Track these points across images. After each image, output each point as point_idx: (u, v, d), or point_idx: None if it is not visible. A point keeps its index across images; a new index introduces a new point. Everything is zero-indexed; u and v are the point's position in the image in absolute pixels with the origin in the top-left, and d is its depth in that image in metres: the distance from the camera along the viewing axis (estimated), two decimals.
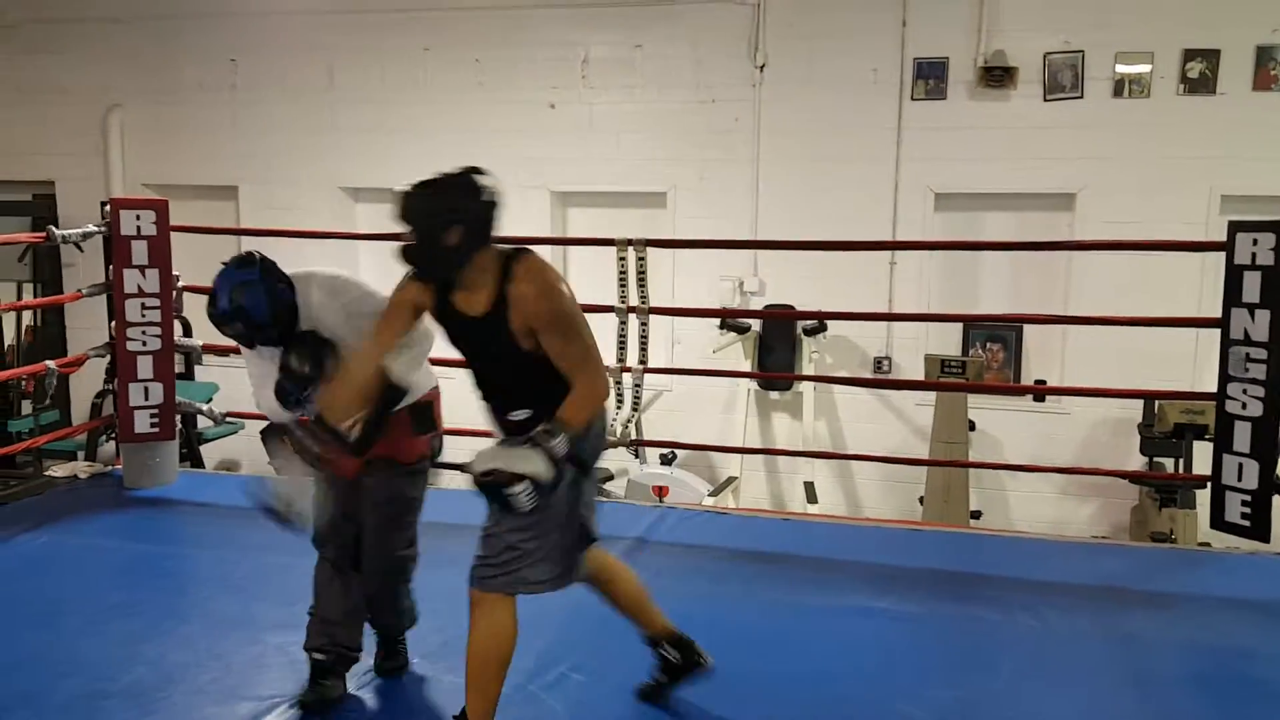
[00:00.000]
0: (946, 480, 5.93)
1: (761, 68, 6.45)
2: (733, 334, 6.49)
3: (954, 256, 6.43)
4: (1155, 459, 5.89)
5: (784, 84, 6.42)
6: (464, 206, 2.43)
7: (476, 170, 2.50)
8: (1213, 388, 3.89)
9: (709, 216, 6.51)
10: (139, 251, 4.45)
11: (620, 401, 4.67)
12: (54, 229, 4.49)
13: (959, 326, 6.53)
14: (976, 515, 6.08)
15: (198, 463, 6.27)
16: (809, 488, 6.24)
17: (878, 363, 6.48)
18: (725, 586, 3.74)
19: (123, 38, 7.53)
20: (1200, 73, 5.92)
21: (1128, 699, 2.97)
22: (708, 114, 6.59)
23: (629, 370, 4.60)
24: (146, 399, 4.53)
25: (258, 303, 2.75)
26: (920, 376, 6.15)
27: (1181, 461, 5.67)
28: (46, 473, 5.14)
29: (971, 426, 6.07)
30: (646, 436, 5.04)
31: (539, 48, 6.82)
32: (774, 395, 6.66)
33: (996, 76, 6.15)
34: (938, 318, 6.18)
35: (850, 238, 5.76)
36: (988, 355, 6.51)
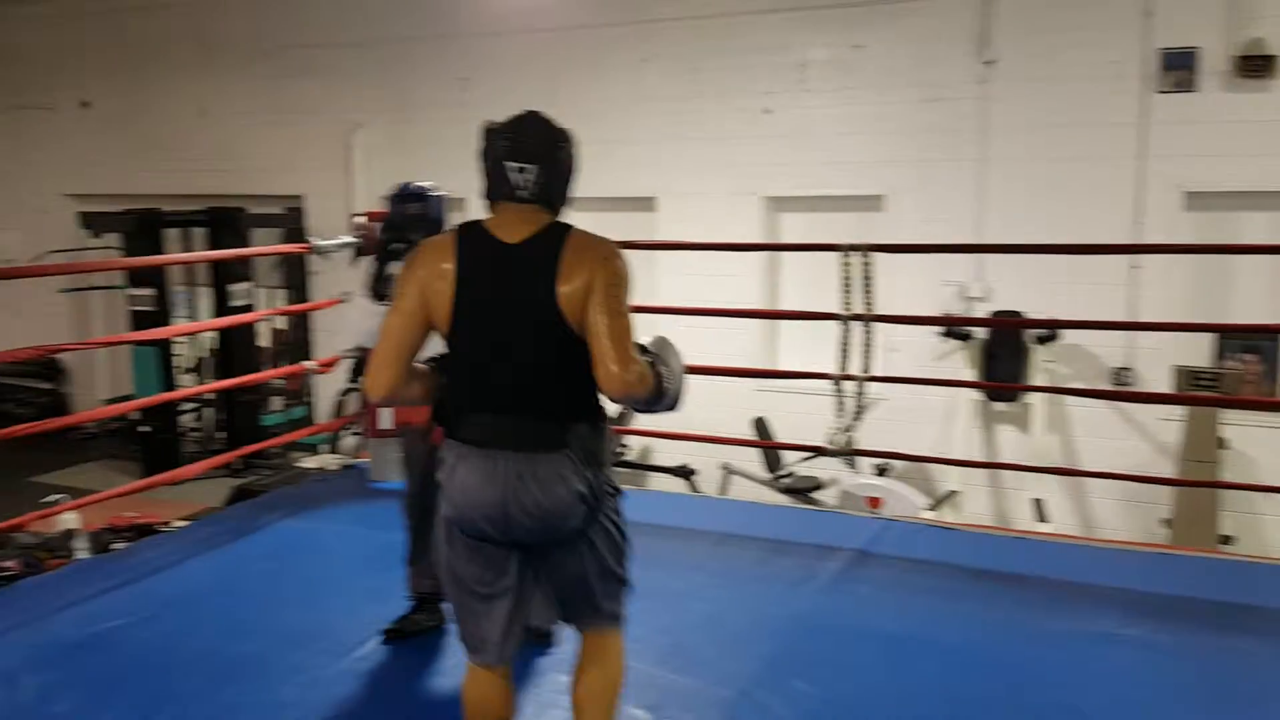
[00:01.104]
0: (1195, 502, 5.52)
1: (990, 64, 6.21)
2: (955, 341, 6.28)
3: (1205, 260, 5.98)
4: None
5: (1014, 80, 6.16)
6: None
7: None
8: None
9: (928, 220, 6.32)
10: None
11: (841, 410, 4.60)
12: (315, 240, 4.84)
13: (1210, 336, 6.06)
14: (1227, 540, 5.64)
15: None
16: (1038, 505, 5.95)
17: (1117, 374, 6.10)
18: (958, 605, 3.62)
19: (366, 61, 8.04)
20: None
21: None
22: (930, 114, 6.40)
23: (850, 378, 4.52)
24: None
25: (435, 203, 3.61)
26: (1164, 389, 5.76)
27: None
28: (298, 464, 5.56)
29: (1223, 444, 5.63)
30: (860, 446, 4.93)
31: (755, 53, 6.82)
32: (999, 407, 6.39)
33: (1255, 66, 5.69)
34: (1189, 327, 5.75)
35: (1087, 240, 5.47)
36: (1243, 367, 6.03)
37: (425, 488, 3.12)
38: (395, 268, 3.03)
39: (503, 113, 7.68)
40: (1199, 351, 6.06)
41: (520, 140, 2.31)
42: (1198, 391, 5.51)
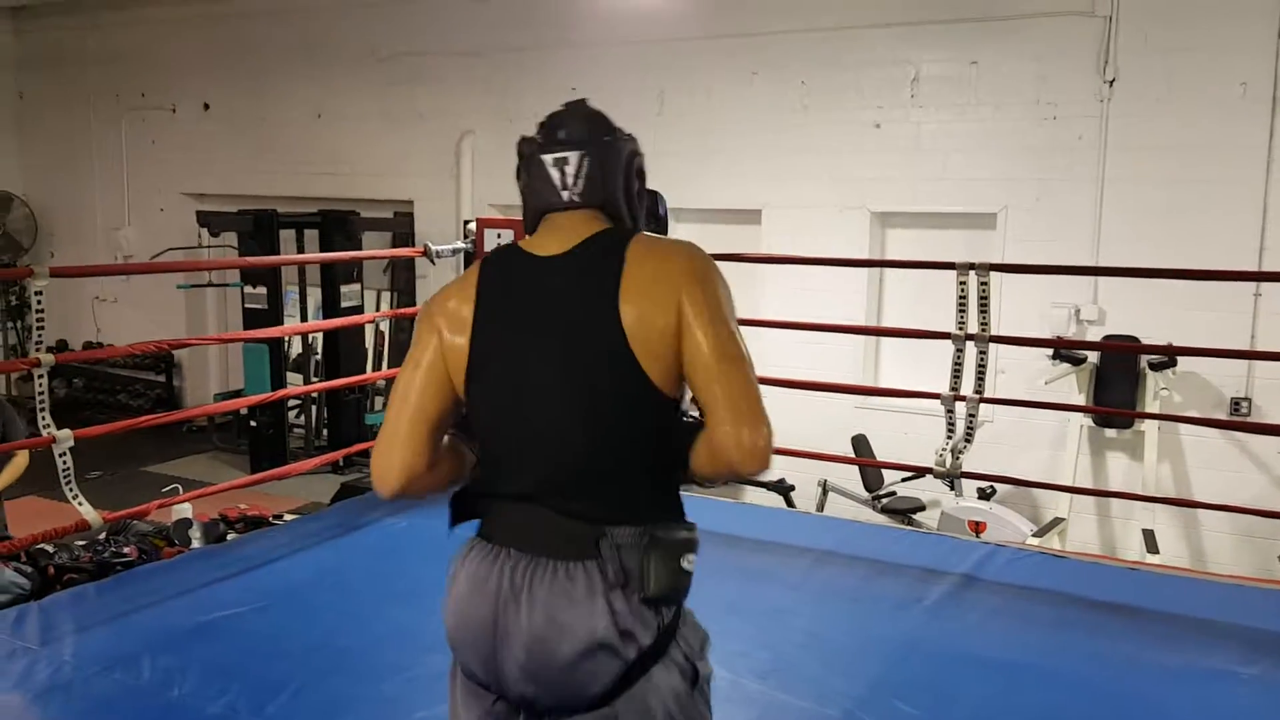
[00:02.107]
0: None
1: (1111, 83, 6.05)
2: (1066, 365, 6.12)
3: None
4: None
5: (1136, 100, 5.99)
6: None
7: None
8: None
9: (1041, 239, 6.18)
10: None
11: (951, 431, 4.52)
12: (430, 245, 4.95)
13: None
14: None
15: None
16: (1149, 536, 5.76)
17: (1235, 404, 5.88)
18: (1066, 636, 3.51)
19: (475, 69, 8.19)
20: None
21: None
22: (1047, 132, 6.26)
23: (963, 399, 4.45)
24: None
25: (662, 199, 2.72)
26: None
27: None
28: None
29: None
30: (968, 468, 4.84)
31: (866, 68, 6.76)
32: (1110, 433, 6.21)
33: None
34: None
35: (1208, 265, 5.28)
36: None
37: None
38: None
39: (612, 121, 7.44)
40: None
41: (556, 127, 1.75)
42: None
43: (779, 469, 6.58)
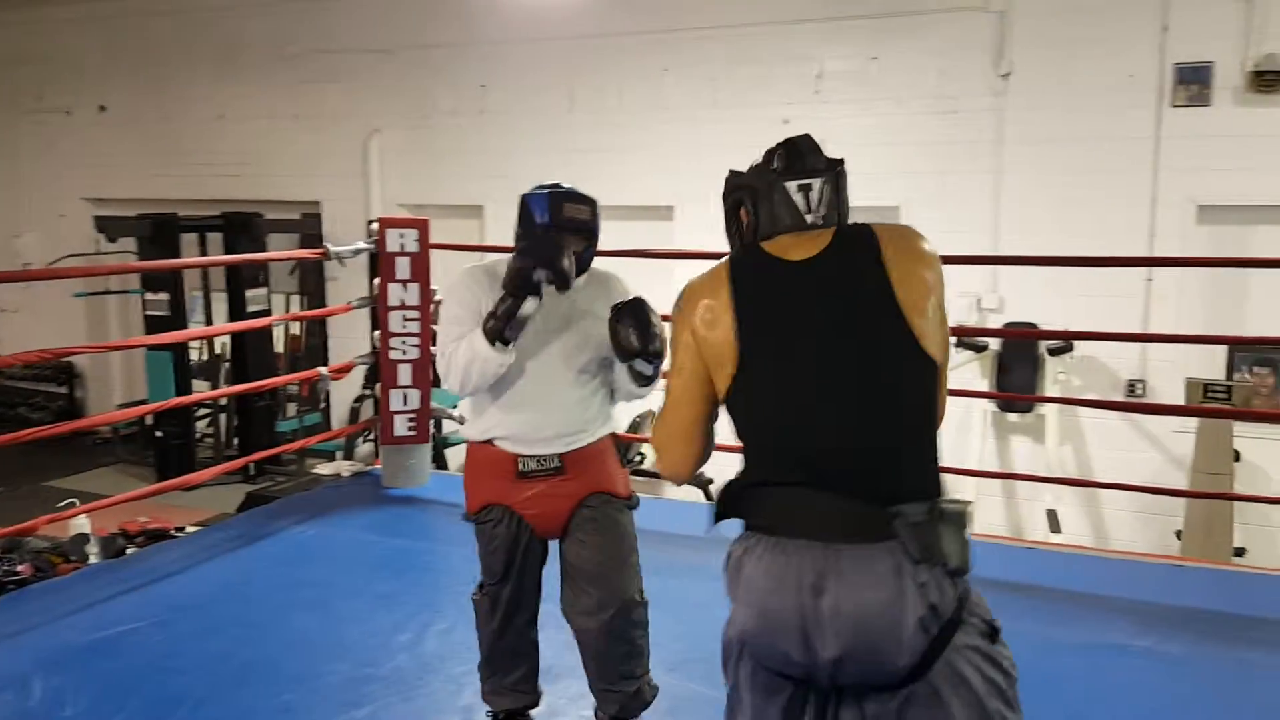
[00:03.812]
0: (1208, 514, 5.50)
1: (1006, 76, 6.21)
2: (969, 352, 6.27)
3: (1218, 273, 5.97)
4: None
5: (1031, 93, 6.15)
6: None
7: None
8: None
9: (944, 231, 6.26)
10: (402, 267, 4.76)
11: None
12: (330, 246, 4.87)
13: (1223, 349, 6.04)
14: (1240, 552, 5.61)
15: (442, 465, 6.63)
16: (1052, 516, 5.93)
17: (1131, 386, 6.08)
18: (1019, 623, 3.60)
19: (384, 67, 8.08)
20: None
21: None
22: (946, 126, 6.40)
23: None
24: (405, 404, 4.83)
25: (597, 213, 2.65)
26: (1178, 401, 5.74)
27: None
28: (312, 470, 5.58)
29: (1236, 457, 5.60)
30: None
31: (774, 64, 6.84)
32: (1012, 418, 6.38)
33: (1268, 81, 5.67)
34: (1201, 339, 5.73)
35: (1102, 253, 5.45)
36: (1255, 380, 6.00)
37: (513, 586, 2.67)
38: (532, 306, 2.45)
39: (523, 119, 7.66)
40: (1212, 364, 6.03)
41: (798, 154, 1.86)
42: (1210, 404, 5.49)
43: None
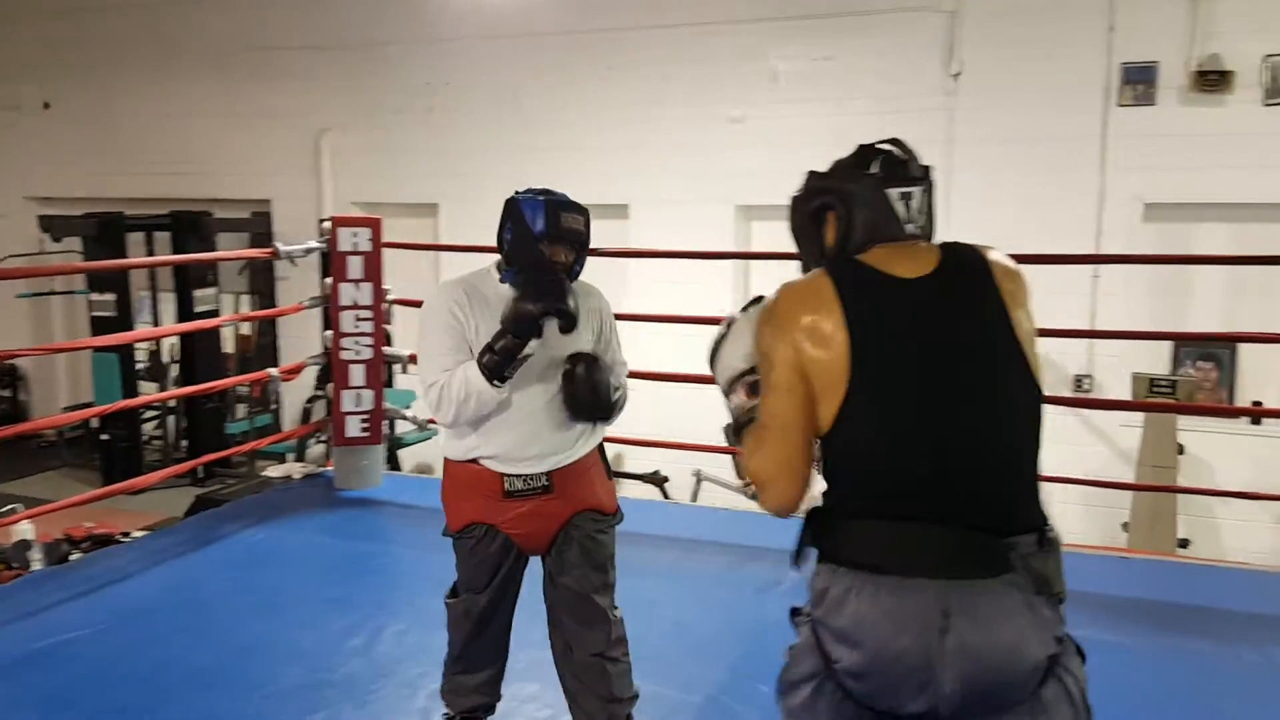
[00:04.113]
0: (1153, 506, 5.60)
1: (956, 76, 6.28)
2: None
3: (1164, 270, 6.08)
4: None
5: (980, 93, 6.23)
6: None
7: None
8: None
9: None
10: (354, 266, 4.71)
11: None
12: (280, 245, 4.80)
13: (1168, 344, 6.16)
14: (1185, 544, 5.72)
15: (396, 466, 6.57)
16: None
17: (1078, 381, 6.18)
18: None
19: (334, 65, 8.00)
20: None
21: None
22: (898, 125, 6.35)
23: None
24: (358, 405, 4.79)
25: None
26: (1125, 396, 5.84)
27: None
28: (263, 473, 5.51)
29: (1181, 450, 5.72)
30: None
31: (724, 63, 6.86)
32: None
33: (1211, 81, 5.79)
34: (1147, 335, 5.84)
35: (1050, 250, 5.52)
36: (1199, 374, 6.12)
37: (492, 597, 2.58)
38: (534, 346, 2.40)
39: (475, 117, 7.57)
40: (1157, 359, 6.15)
41: (899, 160, 1.77)
42: (1156, 399, 5.60)
43: (654, 460, 6.64)
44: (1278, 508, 5.78)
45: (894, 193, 1.72)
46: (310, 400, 7.48)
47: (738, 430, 1.82)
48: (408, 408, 5.43)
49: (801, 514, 1.72)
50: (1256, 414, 5.48)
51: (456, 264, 7.39)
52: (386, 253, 4.88)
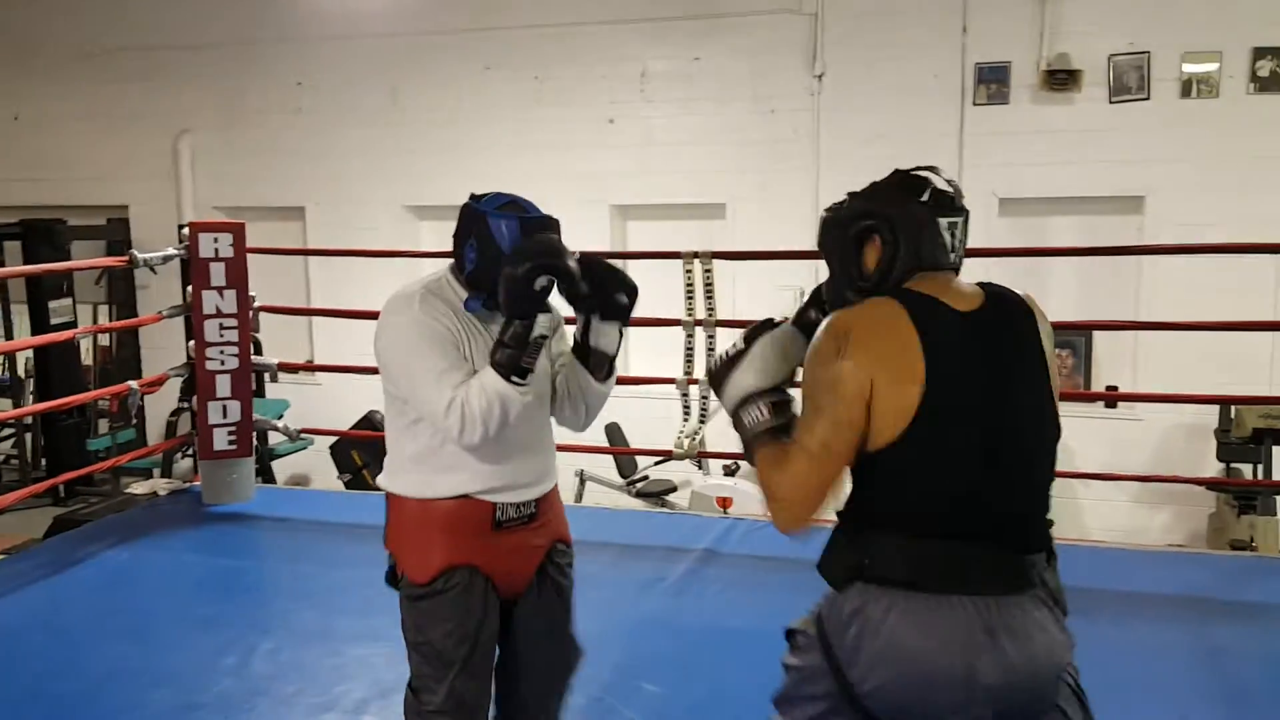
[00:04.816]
0: None
1: (820, 77, 6.44)
2: None
3: (1019, 262, 6.34)
4: (1233, 465, 5.76)
5: (843, 93, 6.41)
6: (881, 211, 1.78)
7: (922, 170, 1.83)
8: None
9: (768, 227, 6.50)
10: (216, 273, 4.56)
11: (686, 414, 4.68)
12: (136, 253, 4.62)
13: None
14: (1049, 525, 5.98)
15: (269, 478, 6.40)
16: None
17: None
18: (800, 598, 3.72)
19: (192, 64, 7.73)
20: (1271, 71, 5.80)
21: (1221, 713, 2.92)
22: (766, 125, 6.59)
23: (695, 383, 4.61)
24: (225, 417, 4.64)
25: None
26: None
27: (1260, 467, 5.54)
28: (127, 490, 5.29)
29: None
30: (710, 448, 5.03)
31: (597, 64, 6.89)
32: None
33: (1060, 80, 6.08)
34: None
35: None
36: (1057, 361, 6.42)
37: (477, 670, 2.20)
38: (546, 322, 2.17)
39: (344, 118, 7.40)
40: None
41: (947, 191, 1.77)
42: None
43: None
44: (1134, 487, 6.09)
45: (944, 222, 1.75)
46: (175, 413, 7.21)
47: (753, 444, 1.81)
48: (279, 418, 5.30)
49: (829, 525, 1.76)
50: (1111, 398, 5.76)
51: (325, 268, 7.28)
52: (252, 258, 4.74)
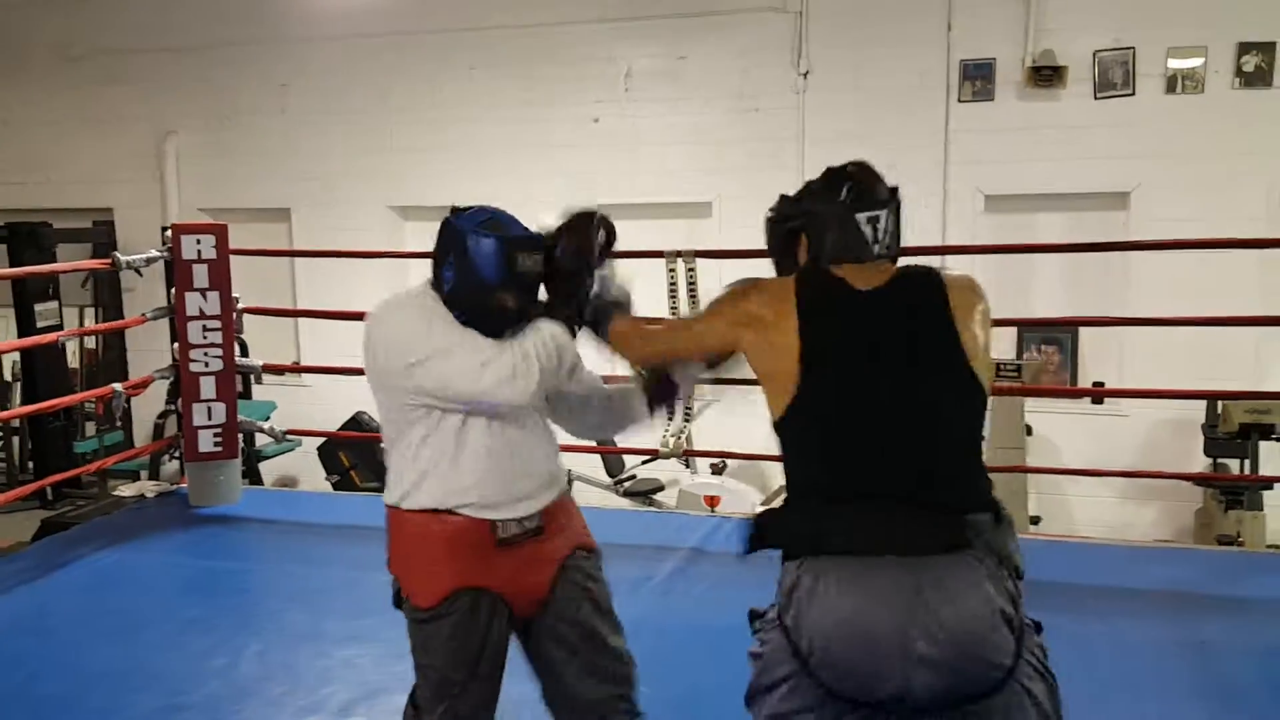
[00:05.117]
0: (1005, 486, 5.80)
1: (805, 75, 6.45)
2: None
3: (1006, 258, 6.36)
4: (1219, 460, 5.79)
5: (828, 91, 6.41)
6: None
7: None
8: (1278, 386, 3.82)
9: (752, 226, 6.46)
10: (200, 275, 4.54)
11: (672, 413, 4.68)
12: (119, 255, 4.60)
13: (1012, 329, 6.46)
14: (1035, 521, 6.01)
15: (256, 480, 6.37)
16: None
17: None
18: None
19: (176, 66, 7.69)
20: (1256, 66, 5.82)
21: (1210, 709, 2.92)
22: (751, 123, 6.59)
23: None
24: (210, 419, 4.62)
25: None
26: None
27: (1247, 462, 5.56)
28: (114, 492, 5.26)
29: (1029, 431, 6.00)
30: (697, 447, 5.04)
31: (582, 63, 6.88)
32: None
33: (1045, 76, 6.10)
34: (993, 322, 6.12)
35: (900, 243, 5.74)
36: (1043, 358, 6.44)
37: (480, 690, 2.15)
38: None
39: (329, 119, 7.36)
40: (1003, 345, 6.43)
41: (869, 184, 1.90)
42: (1002, 382, 5.85)
43: None
44: (1121, 483, 6.11)
45: (862, 217, 1.85)
46: (162, 415, 7.17)
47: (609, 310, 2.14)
48: (266, 419, 5.28)
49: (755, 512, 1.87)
50: (1098, 394, 5.77)
51: (311, 269, 7.26)
52: (237, 260, 4.72)
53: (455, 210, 2.15)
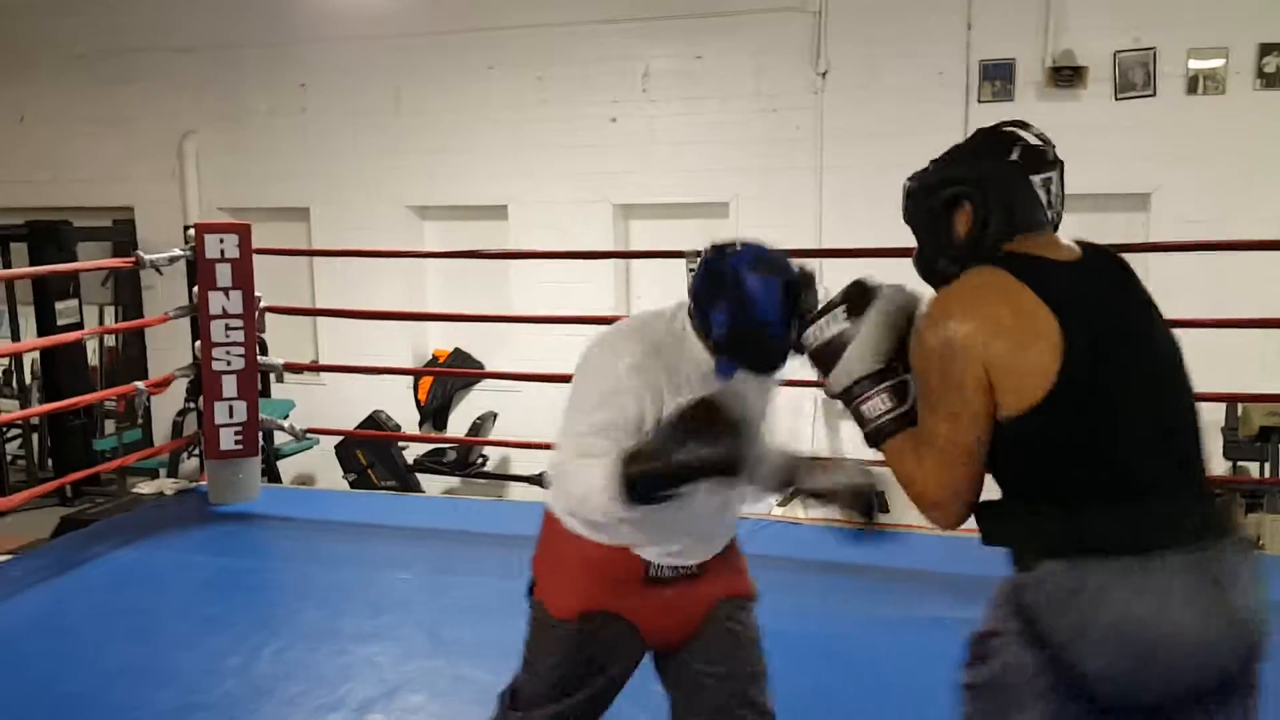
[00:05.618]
0: None
1: (824, 75, 6.43)
2: None
3: None
4: (1239, 463, 5.74)
5: (847, 91, 6.40)
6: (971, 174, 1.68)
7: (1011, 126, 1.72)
8: None
9: (770, 225, 6.48)
10: (223, 274, 4.57)
11: None
12: (142, 254, 4.63)
13: None
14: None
15: (275, 478, 6.41)
16: (881, 497, 6.16)
17: None
18: (798, 599, 3.71)
19: (194, 66, 7.74)
20: (1278, 66, 5.78)
21: None
22: (769, 123, 6.59)
23: None
24: (231, 417, 4.65)
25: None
26: None
27: (1267, 465, 5.52)
28: (134, 490, 5.31)
29: None
30: None
31: (599, 62, 6.89)
32: (840, 403, 6.60)
33: (1065, 76, 6.07)
34: None
35: (913, 243, 5.72)
36: None
37: (591, 696, 2.07)
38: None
39: (347, 119, 7.38)
40: None
41: (1039, 145, 1.67)
42: None
43: (540, 462, 6.61)
44: None
45: (1037, 179, 1.65)
46: (181, 413, 7.24)
47: (878, 437, 1.70)
48: (285, 418, 5.31)
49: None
50: None
51: (329, 269, 7.29)
52: (258, 259, 4.75)
53: (718, 247, 1.96)
